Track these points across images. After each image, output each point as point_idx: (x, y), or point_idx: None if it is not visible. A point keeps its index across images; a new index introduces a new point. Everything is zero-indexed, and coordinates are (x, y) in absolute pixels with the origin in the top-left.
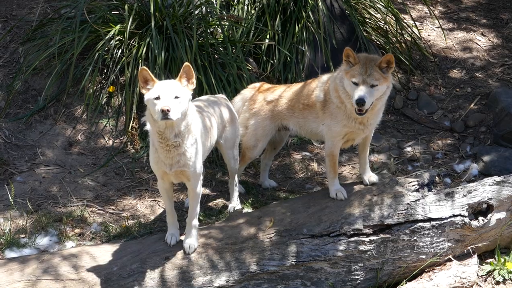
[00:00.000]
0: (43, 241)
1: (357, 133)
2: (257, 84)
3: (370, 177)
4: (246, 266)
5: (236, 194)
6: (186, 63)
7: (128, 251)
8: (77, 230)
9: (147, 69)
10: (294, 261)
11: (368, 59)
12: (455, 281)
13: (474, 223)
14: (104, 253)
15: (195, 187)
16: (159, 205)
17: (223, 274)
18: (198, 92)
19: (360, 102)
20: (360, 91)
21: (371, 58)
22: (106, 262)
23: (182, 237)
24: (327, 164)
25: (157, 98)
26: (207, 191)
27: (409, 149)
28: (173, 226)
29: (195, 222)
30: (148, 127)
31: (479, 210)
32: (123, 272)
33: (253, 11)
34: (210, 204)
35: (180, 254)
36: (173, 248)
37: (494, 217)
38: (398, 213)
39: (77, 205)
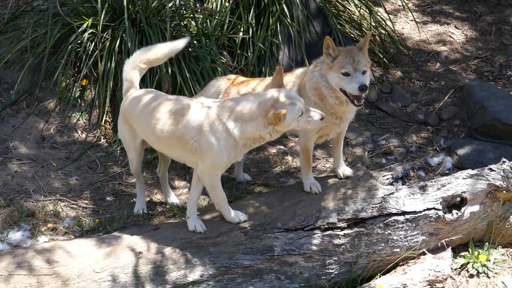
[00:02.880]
0: (15, 236)
1: (332, 128)
2: (232, 76)
3: (344, 170)
4: (221, 260)
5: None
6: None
7: (101, 245)
8: (50, 225)
9: None
10: (269, 255)
11: (348, 48)
12: (429, 274)
13: (448, 216)
14: (77, 247)
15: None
16: (132, 199)
17: (197, 268)
18: (172, 85)
19: (364, 87)
20: (358, 78)
21: (350, 47)
22: (80, 257)
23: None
24: (301, 158)
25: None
26: (181, 183)
27: (383, 142)
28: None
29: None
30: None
31: (453, 203)
32: (97, 266)
33: (227, 4)
34: (184, 198)
35: (154, 248)
36: (147, 243)
37: (467, 210)
38: (372, 207)
39: (50, 200)
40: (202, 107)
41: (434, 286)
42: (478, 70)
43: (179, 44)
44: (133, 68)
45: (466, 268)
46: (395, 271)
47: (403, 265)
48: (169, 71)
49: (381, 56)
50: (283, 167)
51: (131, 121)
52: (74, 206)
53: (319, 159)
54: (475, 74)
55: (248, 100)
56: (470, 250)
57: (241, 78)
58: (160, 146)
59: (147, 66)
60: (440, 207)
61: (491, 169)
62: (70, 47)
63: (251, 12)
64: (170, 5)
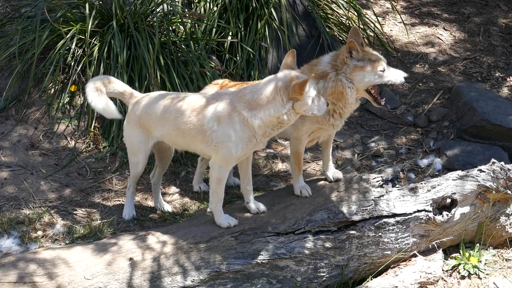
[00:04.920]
0: (5, 243)
1: (325, 131)
2: (220, 81)
3: (334, 173)
4: (212, 265)
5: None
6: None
7: (92, 252)
8: (40, 232)
9: None
10: (260, 260)
11: (364, 48)
12: (420, 276)
13: (439, 218)
14: (68, 254)
15: None
16: (122, 205)
17: (188, 274)
18: (161, 90)
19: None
20: (397, 70)
21: (361, 47)
22: (70, 264)
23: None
24: (292, 161)
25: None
26: (171, 189)
27: (373, 144)
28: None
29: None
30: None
31: (443, 205)
32: (87, 273)
33: (215, 9)
34: (175, 203)
35: (144, 254)
36: (138, 249)
37: (458, 211)
38: (363, 209)
39: (40, 207)
40: (221, 99)
41: None
42: (467, 71)
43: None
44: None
45: (458, 270)
46: (386, 274)
47: (394, 267)
48: (158, 76)
49: None
50: (273, 171)
51: (149, 122)
52: (64, 212)
53: (309, 162)
54: (463, 75)
55: (262, 85)
56: (461, 252)
57: (230, 83)
58: (182, 140)
59: None
60: (431, 208)
61: (480, 170)
62: (58, 53)
63: (240, 16)
64: (158, 10)
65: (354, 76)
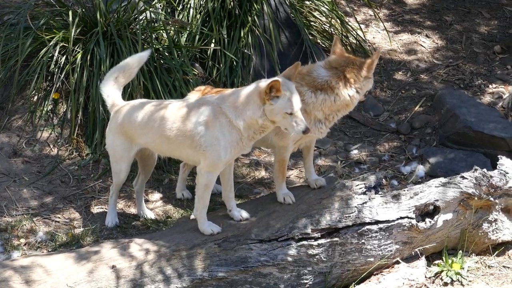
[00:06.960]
0: None
1: (311, 137)
2: (202, 87)
3: (317, 180)
4: (195, 272)
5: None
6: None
7: (74, 259)
8: (22, 240)
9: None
10: (243, 267)
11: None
12: (403, 283)
13: (421, 224)
14: (50, 262)
15: None
16: (105, 212)
17: (171, 281)
18: (144, 97)
19: None
20: None
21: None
22: (53, 271)
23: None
24: (276, 169)
25: (291, 114)
26: (154, 196)
27: (355, 151)
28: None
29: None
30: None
31: (426, 211)
32: (70, 281)
33: (198, 16)
34: (158, 210)
35: (127, 262)
36: (121, 257)
37: (441, 218)
38: (346, 216)
39: (23, 214)
40: (206, 103)
41: None
42: (449, 78)
43: (144, 54)
44: (113, 83)
45: (440, 277)
46: (369, 281)
47: (377, 274)
48: (141, 83)
49: None
50: (256, 178)
51: (131, 130)
52: (47, 220)
53: (292, 169)
54: (446, 82)
55: (244, 88)
56: (444, 258)
57: (213, 89)
58: (167, 147)
59: (125, 80)
60: (413, 215)
61: (463, 177)
62: (41, 61)
63: (223, 24)
64: (141, 17)
65: (366, 87)
